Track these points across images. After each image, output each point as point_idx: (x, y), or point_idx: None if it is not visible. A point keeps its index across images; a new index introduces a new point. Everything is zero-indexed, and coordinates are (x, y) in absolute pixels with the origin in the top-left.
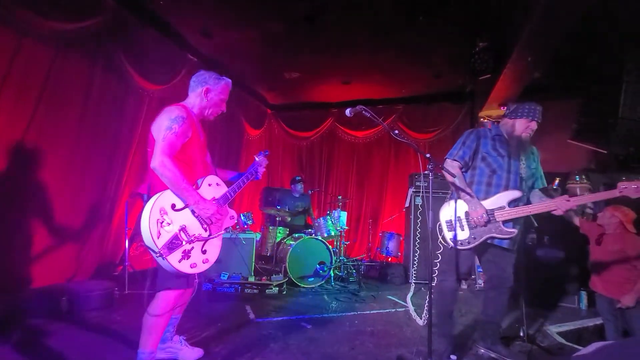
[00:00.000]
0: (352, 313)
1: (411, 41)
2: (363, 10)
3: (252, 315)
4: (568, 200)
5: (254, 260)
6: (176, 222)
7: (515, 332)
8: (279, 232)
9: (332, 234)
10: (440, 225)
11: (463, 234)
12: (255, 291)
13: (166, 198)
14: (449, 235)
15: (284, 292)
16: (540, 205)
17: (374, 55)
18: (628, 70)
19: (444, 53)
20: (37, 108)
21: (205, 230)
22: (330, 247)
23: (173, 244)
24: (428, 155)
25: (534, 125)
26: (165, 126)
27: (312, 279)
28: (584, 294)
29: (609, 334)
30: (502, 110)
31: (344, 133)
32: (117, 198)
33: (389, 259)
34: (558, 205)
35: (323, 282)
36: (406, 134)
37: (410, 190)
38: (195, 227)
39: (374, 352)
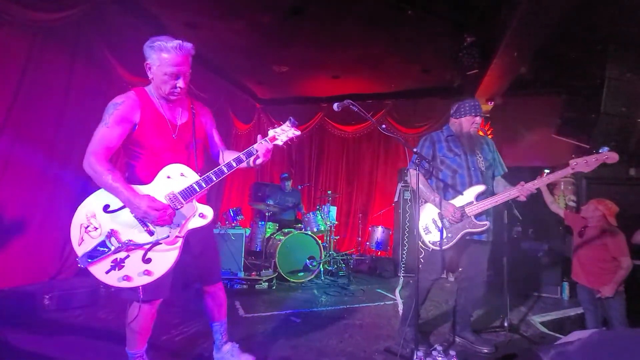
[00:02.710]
0: (341, 307)
1: (400, 36)
2: (351, 4)
3: (241, 311)
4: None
5: (243, 255)
6: (105, 226)
7: (499, 322)
8: (269, 228)
9: (322, 228)
10: (417, 231)
11: (439, 236)
12: (245, 287)
13: (96, 199)
14: (427, 238)
15: (274, 287)
16: (504, 194)
17: (363, 49)
18: (610, 67)
19: (432, 48)
20: (14, 101)
21: (151, 234)
22: (320, 241)
23: (96, 252)
24: (415, 150)
25: (478, 120)
26: (102, 119)
27: (302, 273)
28: (566, 285)
29: (589, 323)
30: (490, 105)
31: (333, 128)
32: None
33: (379, 253)
34: (519, 191)
35: (313, 276)
36: (395, 129)
37: (400, 185)
38: (131, 231)
39: (362, 345)
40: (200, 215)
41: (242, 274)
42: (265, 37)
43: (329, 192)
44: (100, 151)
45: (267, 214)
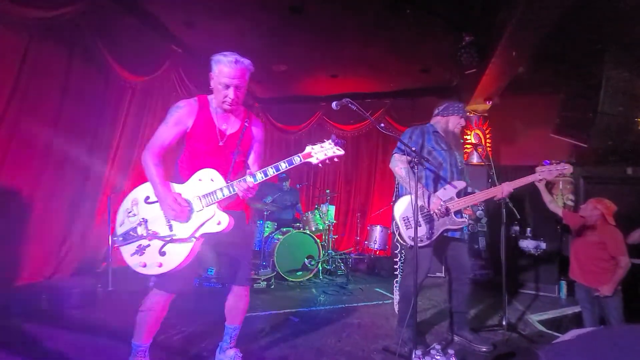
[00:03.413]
0: (339, 306)
1: (399, 35)
2: (350, 3)
3: None
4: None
5: None
6: (140, 214)
7: (497, 320)
8: (267, 227)
9: (320, 227)
10: (396, 223)
11: (420, 230)
12: None
13: (142, 190)
14: (407, 233)
15: (272, 287)
16: (484, 192)
17: (362, 48)
18: (608, 67)
19: (431, 47)
20: (10, 99)
21: (170, 229)
22: (318, 241)
23: (128, 235)
24: (414, 149)
25: (463, 122)
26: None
27: (301, 272)
28: (563, 284)
29: (587, 321)
30: (488, 104)
31: (332, 127)
32: (99, 193)
33: (377, 252)
34: (502, 189)
35: (311, 275)
36: (394, 128)
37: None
38: (157, 223)
39: (360, 344)
40: (217, 222)
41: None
42: (264, 36)
43: (328, 191)
44: (154, 147)
45: (265, 213)
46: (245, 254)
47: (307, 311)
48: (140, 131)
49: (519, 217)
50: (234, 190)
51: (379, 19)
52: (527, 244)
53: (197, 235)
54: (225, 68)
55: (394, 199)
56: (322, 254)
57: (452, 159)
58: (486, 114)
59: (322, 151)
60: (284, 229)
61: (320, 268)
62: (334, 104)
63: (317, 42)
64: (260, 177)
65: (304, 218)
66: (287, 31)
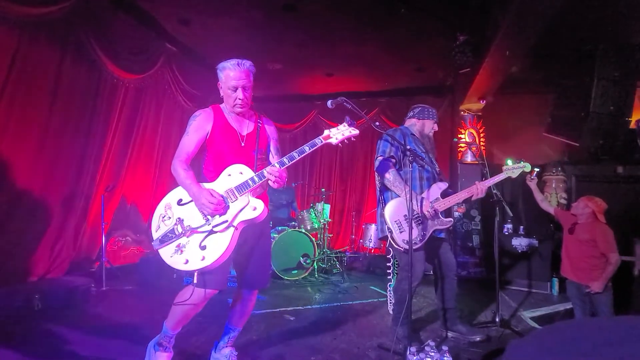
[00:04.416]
0: (335, 304)
1: (394, 34)
2: (346, 2)
3: None
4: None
5: None
6: (175, 215)
7: (491, 317)
8: None
9: (316, 226)
10: (388, 227)
11: (413, 233)
12: None
13: (174, 194)
14: (400, 237)
15: (268, 285)
16: (463, 192)
17: (357, 47)
18: (599, 67)
19: (426, 46)
20: (1, 97)
21: (207, 221)
22: (313, 239)
23: (166, 237)
24: (409, 147)
25: (436, 127)
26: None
27: (296, 271)
28: (555, 281)
29: (578, 318)
30: (482, 103)
31: (327, 126)
32: (92, 192)
33: (372, 251)
34: (478, 189)
35: (306, 274)
36: (389, 127)
37: None
38: (193, 219)
39: (355, 342)
40: (253, 208)
41: (235, 272)
42: (259, 34)
43: (323, 190)
44: (181, 155)
45: None
46: (263, 257)
47: (302, 309)
48: (134, 129)
49: (512, 215)
50: (264, 177)
51: (374, 18)
52: (520, 242)
53: (235, 223)
54: (231, 72)
55: (380, 204)
56: (317, 253)
57: (430, 160)
58: (480, 113)
59: (339, 132)
60: (280, 228)
61: (316, 266)
62: (329, 103)
63: (313, 41)
64: (287, 161)
65: (300, 217)
66: (282, 29)
